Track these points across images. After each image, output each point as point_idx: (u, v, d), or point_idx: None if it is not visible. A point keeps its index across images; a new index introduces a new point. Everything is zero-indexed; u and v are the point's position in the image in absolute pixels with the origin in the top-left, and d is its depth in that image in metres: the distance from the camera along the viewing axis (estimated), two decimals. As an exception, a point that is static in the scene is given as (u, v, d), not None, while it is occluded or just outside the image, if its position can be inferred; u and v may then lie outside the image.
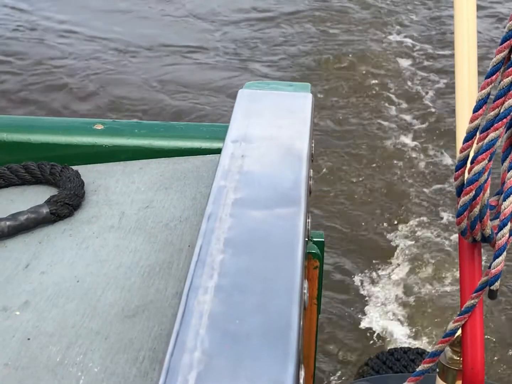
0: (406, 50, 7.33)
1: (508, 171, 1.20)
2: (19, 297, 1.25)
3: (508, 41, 1.15)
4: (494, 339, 4.06)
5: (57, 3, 8.17)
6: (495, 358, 3.98)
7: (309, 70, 6.88)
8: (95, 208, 1.52)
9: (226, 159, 1.37)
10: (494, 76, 1.17)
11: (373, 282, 4.51)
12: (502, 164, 1.22)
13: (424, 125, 6.10)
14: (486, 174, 1.18)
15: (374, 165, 5.57)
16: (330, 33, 7.57)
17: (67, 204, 1.48)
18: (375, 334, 4.14)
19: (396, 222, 4.99)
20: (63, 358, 1.11)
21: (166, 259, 1.35)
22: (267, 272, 1.07)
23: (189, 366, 0.90)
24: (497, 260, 1.20)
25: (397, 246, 4.79)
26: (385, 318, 4.25)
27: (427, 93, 6.57)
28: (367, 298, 4.40)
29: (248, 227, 1.18)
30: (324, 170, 5.48)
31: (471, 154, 1.20)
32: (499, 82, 1.16)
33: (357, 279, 4.52)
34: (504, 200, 1.18)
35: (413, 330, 4.18)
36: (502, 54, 1.16)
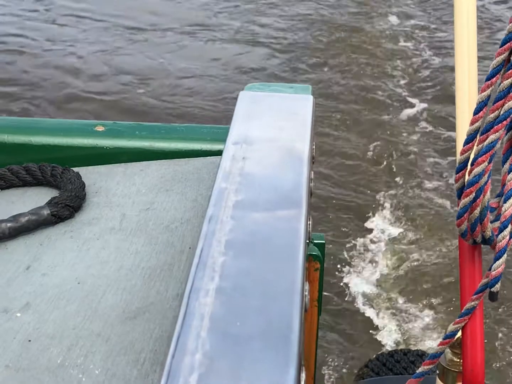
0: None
1: (509, 173, 1.20)
2: (20, 299, 1.25)
3: (508, 43, 1.15)
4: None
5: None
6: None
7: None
8: (96, 210, 1.52)
9: (227, 161, 1.37)
10: (494, 78, 1.17)
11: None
12: (503, 166, 1.22)
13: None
14: (486, 176, 1.18)
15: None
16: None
17: (68, 206, 1.48)
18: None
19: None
20: (64, 360, 1.11)
21: (167, 261, 1.35)
22: (268, 274, 1.07)
23: (190, 368, 0.90)
24: (498, 262, 1.20)
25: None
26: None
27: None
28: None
29: (249, 229, 1.18)
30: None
31: (471, 157, 1.20)
32: (499, 84, 1.16)
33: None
34: (505, 202, 1.18)
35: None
36: (502, 56, 1.16)
